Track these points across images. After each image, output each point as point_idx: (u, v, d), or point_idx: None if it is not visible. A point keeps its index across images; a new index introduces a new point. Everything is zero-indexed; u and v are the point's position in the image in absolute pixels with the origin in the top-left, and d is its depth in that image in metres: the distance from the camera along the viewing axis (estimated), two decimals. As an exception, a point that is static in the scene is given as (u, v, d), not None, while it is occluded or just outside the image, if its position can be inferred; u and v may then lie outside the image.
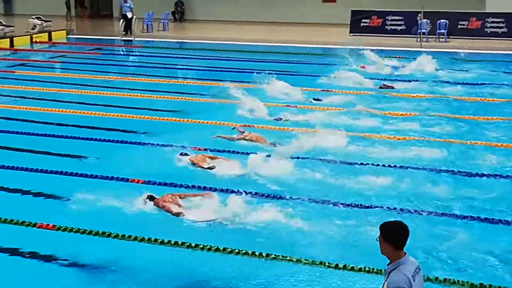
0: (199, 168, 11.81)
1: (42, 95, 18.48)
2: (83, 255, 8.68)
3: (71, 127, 14.80)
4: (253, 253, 8.59)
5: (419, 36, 28.34)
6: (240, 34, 31.24)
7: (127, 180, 11.24)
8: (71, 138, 13.93)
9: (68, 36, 31.67)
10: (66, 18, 38.21)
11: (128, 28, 31.01)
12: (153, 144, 13.31)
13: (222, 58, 25.08)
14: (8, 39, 28.47)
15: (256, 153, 11.90)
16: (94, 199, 10.20)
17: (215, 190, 10.63)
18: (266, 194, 10.50)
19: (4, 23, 29.58)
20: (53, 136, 14.10)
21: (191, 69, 22.95)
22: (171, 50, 27.38)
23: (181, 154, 12.26)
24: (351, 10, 31.45)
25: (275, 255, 8.52)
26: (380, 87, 19.09)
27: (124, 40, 30.36)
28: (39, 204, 10.55)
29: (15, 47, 28.20)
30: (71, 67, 23.30)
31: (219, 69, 22.65)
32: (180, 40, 30.52)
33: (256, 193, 10.48)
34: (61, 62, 25.06)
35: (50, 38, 30.37)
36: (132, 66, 25.45)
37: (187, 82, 20.59)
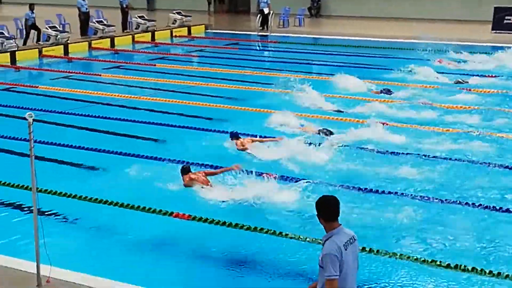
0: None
1: (180, 88, 19.05)
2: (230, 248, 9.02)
3: (206, 120, 15.18)
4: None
5: None
6: (376, 30, 30.73)
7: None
8: (208, 131, 14.28)
9: (207, 30, 32.47)
10: (208, 13, 39.16)
11: (264, 23, 31.38)
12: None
13: (358, 54, 24.83)
14: (150, 33, 29.58)
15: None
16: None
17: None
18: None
19: (146, 18, 30.74)
20: (189, 128, 14.54)
21: (326, 65, 22.89)
22: (306, 46, 27.43)
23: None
24: (494, 7, 30.18)
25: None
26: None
27: (261, 35, 30.71)
28: (175, 193, 10.87)
29: (156, 41, 29.25)
30: (208, 61, 23.85)
31: (354, 65, 22.37)
32: (315, 36, 30.51)
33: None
34: (199, 56, 25.71)
35: (189, 32, 31.26)
36: (268, 61, 25.68)
37: (320, 78, 20.44)
